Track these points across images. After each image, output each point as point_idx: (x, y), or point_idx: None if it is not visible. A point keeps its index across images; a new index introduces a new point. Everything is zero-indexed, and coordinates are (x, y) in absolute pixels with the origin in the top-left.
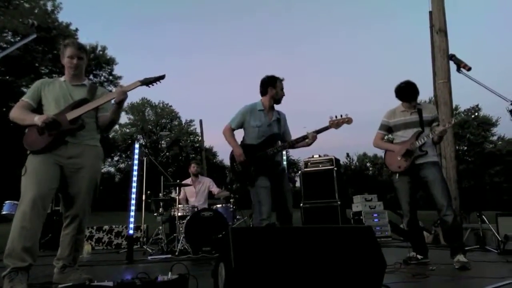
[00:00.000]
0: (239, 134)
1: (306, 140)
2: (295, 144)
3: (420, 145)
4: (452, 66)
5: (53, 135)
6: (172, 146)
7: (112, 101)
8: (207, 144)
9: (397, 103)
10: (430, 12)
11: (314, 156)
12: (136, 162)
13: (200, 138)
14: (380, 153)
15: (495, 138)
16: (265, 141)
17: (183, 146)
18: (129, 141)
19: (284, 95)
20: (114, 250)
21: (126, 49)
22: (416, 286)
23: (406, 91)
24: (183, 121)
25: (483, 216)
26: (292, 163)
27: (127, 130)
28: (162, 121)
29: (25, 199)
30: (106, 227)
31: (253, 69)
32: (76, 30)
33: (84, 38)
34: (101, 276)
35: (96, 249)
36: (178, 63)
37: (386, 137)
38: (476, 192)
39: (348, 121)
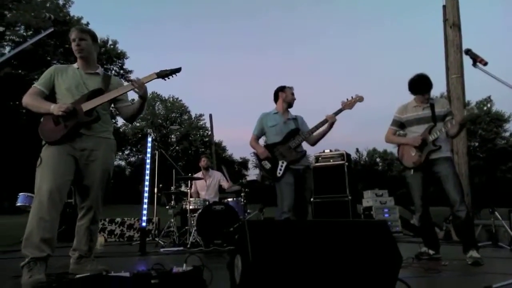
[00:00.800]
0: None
1: (325, 124)
2: (315, 130)
3: (433, 139)
4: (466, 60)
5: (69, 127)
6: (182, 140)
7: (136, 96)
8: (216, 138)
9: (409, 98)
10: (444, 6)
11: (325, 151)
12: (148, 155)
13: (209, 133)
14: (390, 148)
15: (507, 134)
16: (286, 136)
17: (192, 140)
18: (139, 135)
19: (295, 99)
20: (126, 242)
21: (137, 44)
22: (429, 281)
23: (419, 84)
24: (193, 116)
25: (496, 212)
26: None
27: (137, 124)
28: (172, 115)
29: (42, 190)
30: (118, 219)
31: (262, 66)
32: (88, 24)
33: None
34: (116, 267)
35: (108, 241)
36: (189, 58)
37: (397, 133)
38: (488, 188)
39: (360, 99)
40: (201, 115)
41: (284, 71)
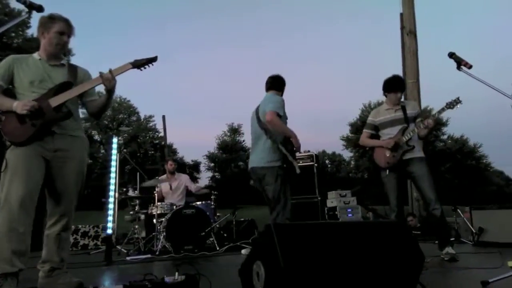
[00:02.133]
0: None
1: None
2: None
3: (407, 139)
4: (422, 66)
5: (37, 125)
6: (130, 142)
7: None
8: (167, 140)
9: (360, 102)
10: (401, 14)
11: None
12: (114, 157)
13: (159, 134)
14: (338, 151)
15: (445, 137)
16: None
17: (141, 142)
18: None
19: None
20: (81, 251)
21: (83, 38)
22: (424, 278)
23: (395, 82)
24: (142, 117)
25: (458, 210)
26: None
27: None
28: (119, 116)
29: (11, 198)
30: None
31: (214, 65)
32: (29, 17)
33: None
34: (86, 279)
35: None
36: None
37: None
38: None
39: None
40: (150, 116)
41: (236, 71)
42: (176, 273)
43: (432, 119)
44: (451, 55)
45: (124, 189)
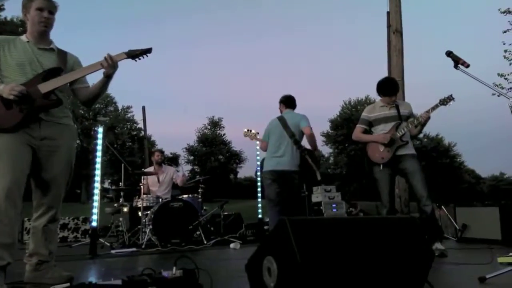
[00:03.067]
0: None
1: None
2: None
3: (401, 135)
4: (407, 65)
5: (25, 111)
6: (107, 133)
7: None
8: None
9: (341, 99)
10: (388, 13)
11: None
12: (99, 147)
13: (137, 126)
14: (319, 147)
15: (421, 135)
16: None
17: (119, 133)
18: None
19: None
20: (61, 244)
21: (67, 35)
22: None
23: (388, 86)
24: (120, 107)
25: (443, 207)
26: (234, 154)
27: None
28: (96, 106)
29: None
30: None
31: (194, 59)
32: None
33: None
34: (73, 272)
35: None
36: (117, 45)
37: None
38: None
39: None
40: (129, 107)
41: (219, 64)
42: (174, 268)
43: (426, 115)
44: (449, 53)
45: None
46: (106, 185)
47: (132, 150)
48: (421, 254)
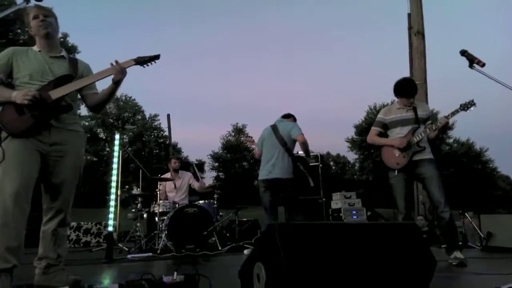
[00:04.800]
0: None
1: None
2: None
3: (417, 141)
4: (430, 67)
5: (36, 117)
6: (135, 141)
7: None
8: (172, 139)
9: (366, 103)
10: (409, 14)
11: (299, 152)
12: (116, 153)
13: (164, 133)
14: (343, 152)
15: (451, 140)
16: None
17: (146, 141)
18: (88, 135)
19: None
20: (83, 248)
21: (89, 37)
22: (436, 283)
23: (406, 87)
24: (147, 116)
25: (466, 214)
26: (259, 161)
27: (86, 123)
28: (125, 115)
29: (4, 192)
30: (73, 224)
31: (221, 68)
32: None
33: None
34: (85, 276)
35: None
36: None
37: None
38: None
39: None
40: (156, 115)
41: (241, 75)
42: (175, 273)
43: (445, 119)
44: (463, 52)
45: (127, 187)
46: (135, 191)
47: (160, 157)
48: (421, 260)
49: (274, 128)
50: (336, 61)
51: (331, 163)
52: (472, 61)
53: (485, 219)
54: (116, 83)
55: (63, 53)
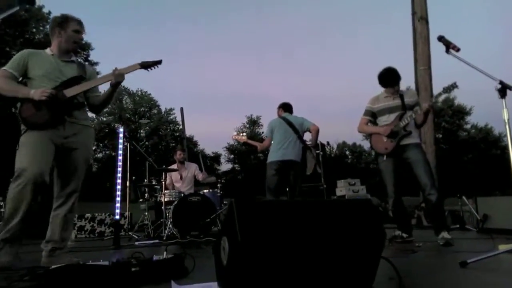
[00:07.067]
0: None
1: None
2: None
3: (404, 125)
4: (434, 52)
5: (53, 112)
6: (152, 135)
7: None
8: (187, 133)
9: (379, 90)
10: (412, 0)
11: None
12: (120, 146)
13: (180, 127)
14: (359, 141)
15: (468, 126)
16: None
17: (162, 135)
18: (106, 130)
19: None
20: (97, 237)
21: (103, 34)
22: (407, 260)
23: (388, 77)
24: (163, 110)
25: (464, 197)
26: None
27: (104, 119)
28: (141, 109)
29: (26, 172)
30: (88, 215)
31: (235, 63)
32: (49, 13)
33: None
34: (91, 260)
35: (78, 237)
36: (158, 50)
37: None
38: (453, 177)
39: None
40: (171, 109)
41: (253, 69)
42: (165, 252)
43: (428, 104)
44: (440, 38)
45: (134, 178)
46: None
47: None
48: (372, 234)
49: (284, 119)
50: (356, 47)
51: (347, 152)
52: (448, 46)
53: (481, 202)
54: (114, 86)
55: (73, 58)
